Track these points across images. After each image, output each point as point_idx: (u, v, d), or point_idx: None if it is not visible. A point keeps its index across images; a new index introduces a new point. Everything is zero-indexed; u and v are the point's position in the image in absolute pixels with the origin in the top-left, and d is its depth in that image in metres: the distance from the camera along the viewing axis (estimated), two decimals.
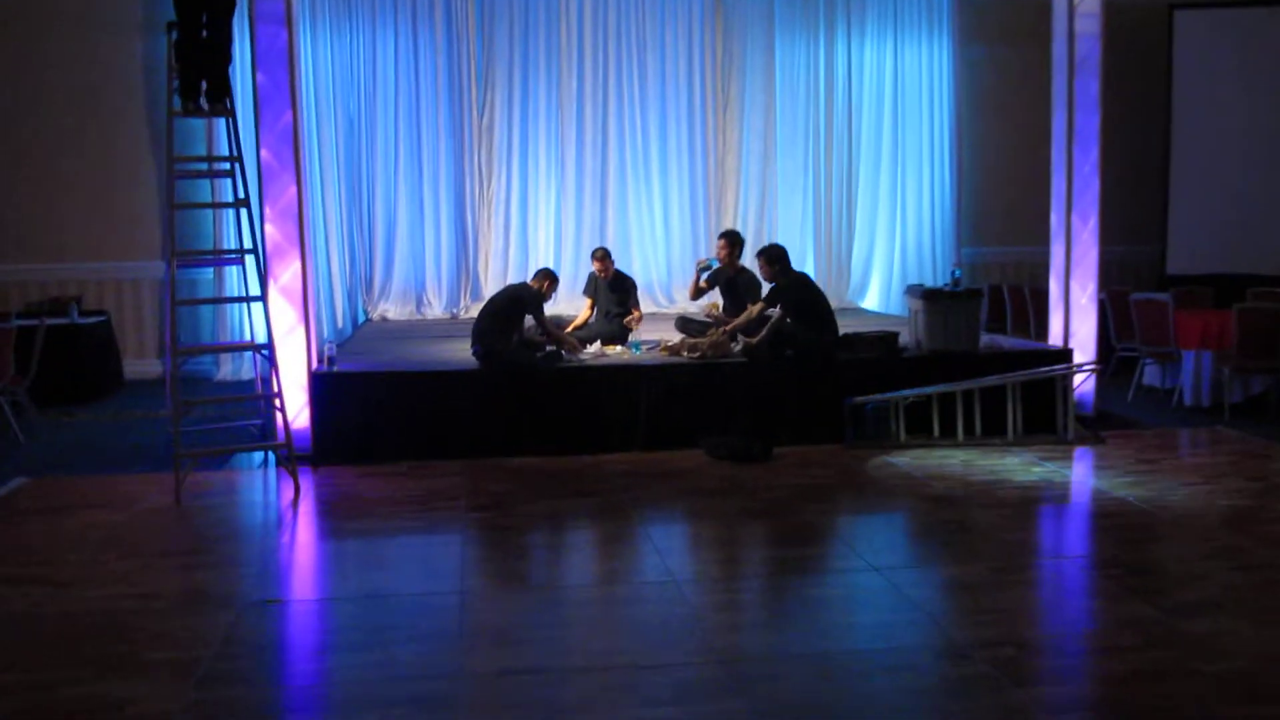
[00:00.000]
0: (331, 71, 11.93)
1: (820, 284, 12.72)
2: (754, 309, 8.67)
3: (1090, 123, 9.24)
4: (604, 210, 12.63)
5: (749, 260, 9.50)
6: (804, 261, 12.89)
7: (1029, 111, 11.86)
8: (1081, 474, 7.56)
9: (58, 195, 11.48)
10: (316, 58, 11.65)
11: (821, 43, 12.90)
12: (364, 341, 10.39)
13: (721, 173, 12.87)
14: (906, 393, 8.33)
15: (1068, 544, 6.36)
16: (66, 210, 11.51)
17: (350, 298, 12.10)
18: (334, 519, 6.84)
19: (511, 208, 12.51)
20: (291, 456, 7.29)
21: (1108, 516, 6.53)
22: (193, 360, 11.44)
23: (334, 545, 6.47)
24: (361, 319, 12.25)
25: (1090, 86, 9.22)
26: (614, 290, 9.47)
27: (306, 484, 7.32)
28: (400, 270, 12.41)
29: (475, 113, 12.40)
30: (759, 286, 9.17)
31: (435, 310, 12.40)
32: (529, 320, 8.45)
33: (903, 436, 8.32)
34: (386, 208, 12.34)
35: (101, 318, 11.07)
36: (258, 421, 8.48)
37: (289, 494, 7.13)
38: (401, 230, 12.37)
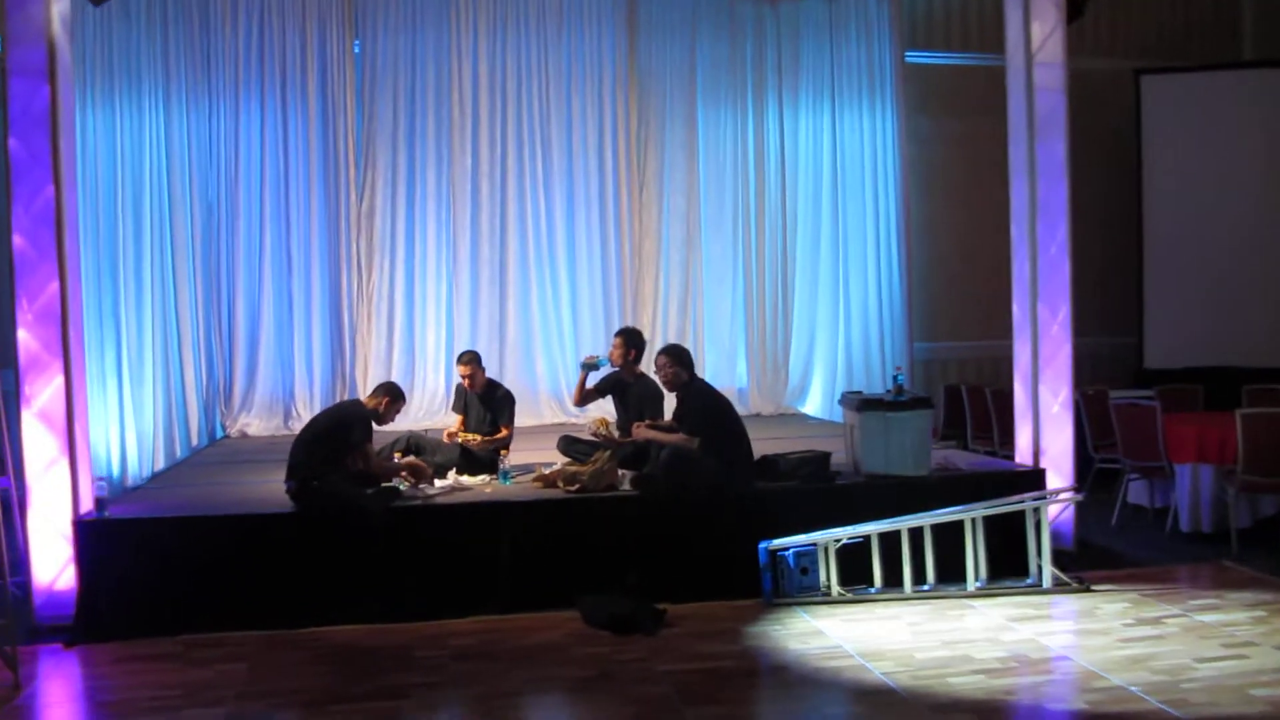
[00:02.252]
0: (188, 149, 10.36)
1: (755, 386, 11.32)
2: (667, 437, 6.97)
3: (1056, 193, 7.70)
4: (503, 306, 10.96)
5: (649, 365, 7.84)
6: (735, 360, 11.31)
7: (985, 188, 10.41)
8: (1066, 644, 5.81)
9: None
10: (171, 133, 10.14)
11: (750, 113, 11.42)
12: (191, 470, 8.64)
13: (638, 261, 11.25)
14: (839, 531, 6.61)
15: None
16: None
17: (206, 410, 10.35)
18: None
19: (395, 304, 10.81)
20: (11, 639, 5.45)
21: None
22: None
23: None
24: (219, 434, 10.46)
25: (1055, 150, 7.69)
26: (485, 405, 7.75)
27: (36, 673, 5.52)
28: (265, 378, 10.64)
29: (354, 195, 10.77)
30: (658, 398, 7.51)
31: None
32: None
33: (835, 589, 6.58)
34: (249, 305, 10.63)
35: None
36: (19, 580, 6.62)
37: (4, 688, 5.30)
38: (266, 331, 10.63)
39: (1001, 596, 6.61)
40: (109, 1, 9.89)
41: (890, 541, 6.67)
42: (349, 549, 6.34)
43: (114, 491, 7.93)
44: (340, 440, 6.49)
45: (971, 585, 6.68)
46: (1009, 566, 6.87)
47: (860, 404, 7.25)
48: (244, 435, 10.42)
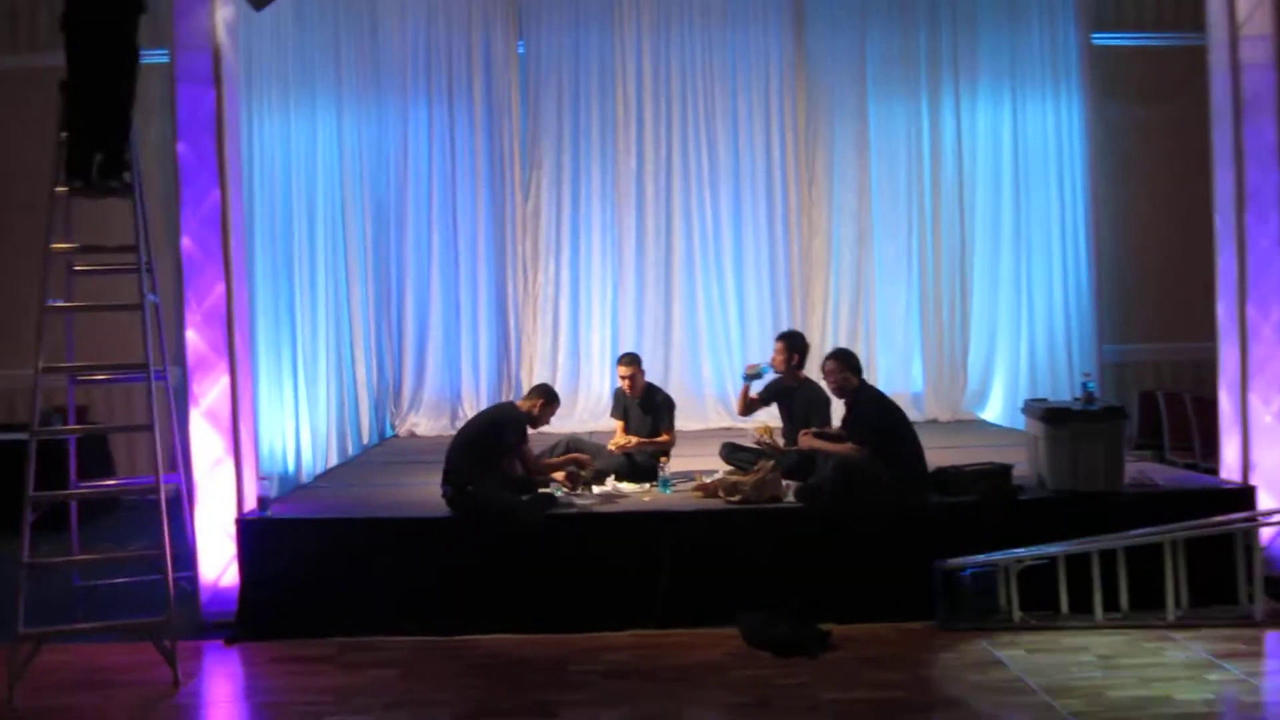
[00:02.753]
0: (359, 152, 10.49)
1: (930, 390, 10.75)
2: (835, 446, 6.62)
3: (1268, 180, 6.95)
4: (668, 307, 10.72)
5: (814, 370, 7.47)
6: (909, 363, 10.77)
7: (1183, 177, 9.59)
8: None
9: None
10: (343, 137, 10.30)
11: (925, 105, 10.84)
12: (359, 469, 8.71)
13: (807, 261, 10.83)
14: (1022, 552, 6.11)
15: None
16: None
17: (376, 409, 10.47)
18: None
19: (560, 305, 10.72)
20: (171, 636, 5.50)
21: None
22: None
23: None
24: (389, 433, 10.57)
25: (1265, 132, 6.94)
26: (645, 410, 7.51)
27: (199, 670, 5.56)
28: (433, 378, 10.70)
29: (519, 196, 10.73)
30: (825, 404, 7.12)
31: None
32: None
33: (1016, 614, 6.09)
34: (418, 305, 10.71)
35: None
36: (187, 574, 6.72)
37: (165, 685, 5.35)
38: (434, 331, 10.70)
39: (1206, 628, 5.99)
40: (283, 8, 10.18)
41: (1079, 564, 6.13)
42: (503, 556, 6.20)
43: (288, 488, 8.05)
44: (494, 444, 6.36)
45: (1171, 614, 6.08)
46: (1214, 594, 6.24)
47: (1046, 413, 6.72)
48: (412, 434, 10.49)
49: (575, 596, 6.18)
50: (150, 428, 5.67)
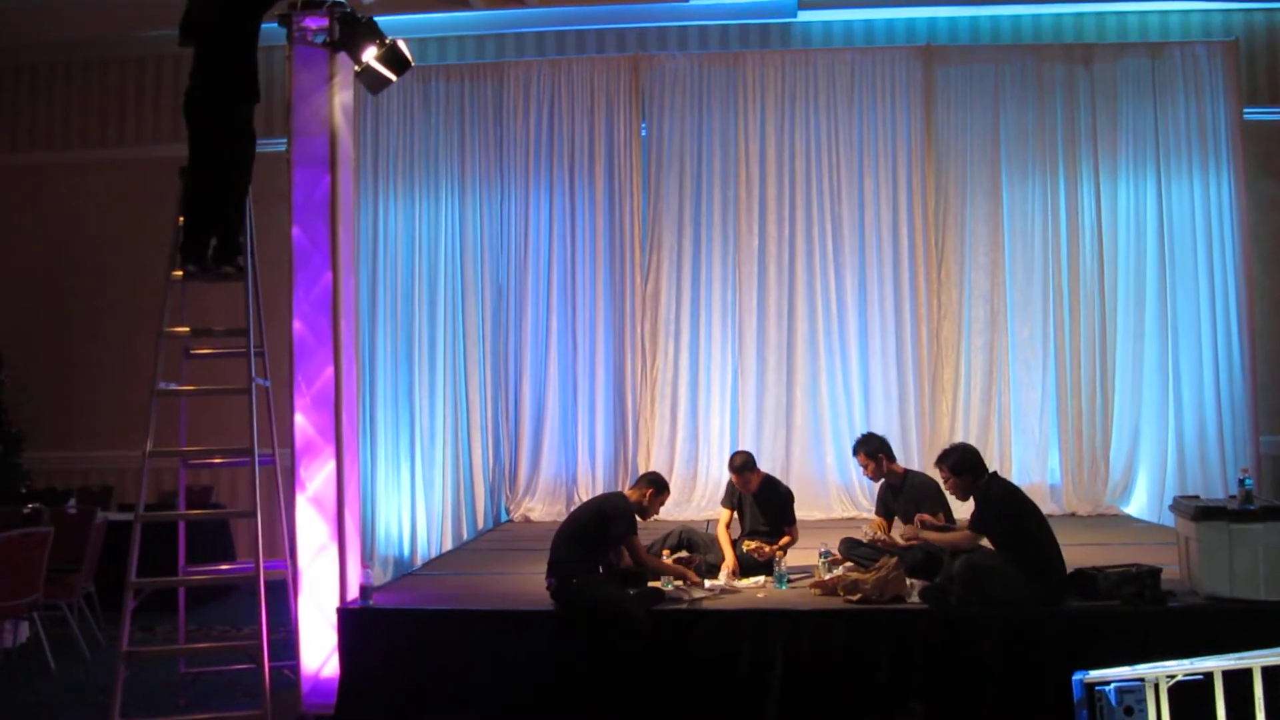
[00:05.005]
0: (480, 234, 10.62)
1: (1070, 482, 10.13)
2: (947, 537, 6.23)
3: None
4: (790, 392, 10.41)
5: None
6: (1047, 454, 10.20)
7: None
8: None
9: (74, 370, 10.55)
10: (465, 219, 10.50)
11: (1062, 183, 10.40)
12: (471, 555, 8.57)
13: (936, 345, 10.40)
14: (1172, 666, 5.55)
15: None
16: (81, 388, 10.53)
17: (492, 493, 10.38)
18: None
19: (679, 389, 10.51)
20: None
21: None
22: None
23: None
24: (504, 518, 10.44)
25: None
26: (761, 504, 7.15)
27: None
28: (548, 462, 10.58)
29: (638, 278, 10.62)
30: (937, 493, 6.71)
31: None
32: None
33: None
34: (535, 387, 10.65)
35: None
36: (290, 664, 6.61)
37: None
38: (551, 414, 10.60)
39: None
40: (411, 95, 10.41)
41: (1239, 681, 5.54)
42: (608, 654, 5.91)
43: (402, 572, 7.95)
44: (601, 535, 6.11)
45: None
46: None
47: (1198, 512, 6.16)
48: (527, 520, 10.34)
49: (682, 697, 5.85)
50: (253, 514, 5.60)
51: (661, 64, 10.71)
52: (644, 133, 10.75)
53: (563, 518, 9.91)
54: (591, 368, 10.58)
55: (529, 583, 6.75)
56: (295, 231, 6.36)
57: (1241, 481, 6.45)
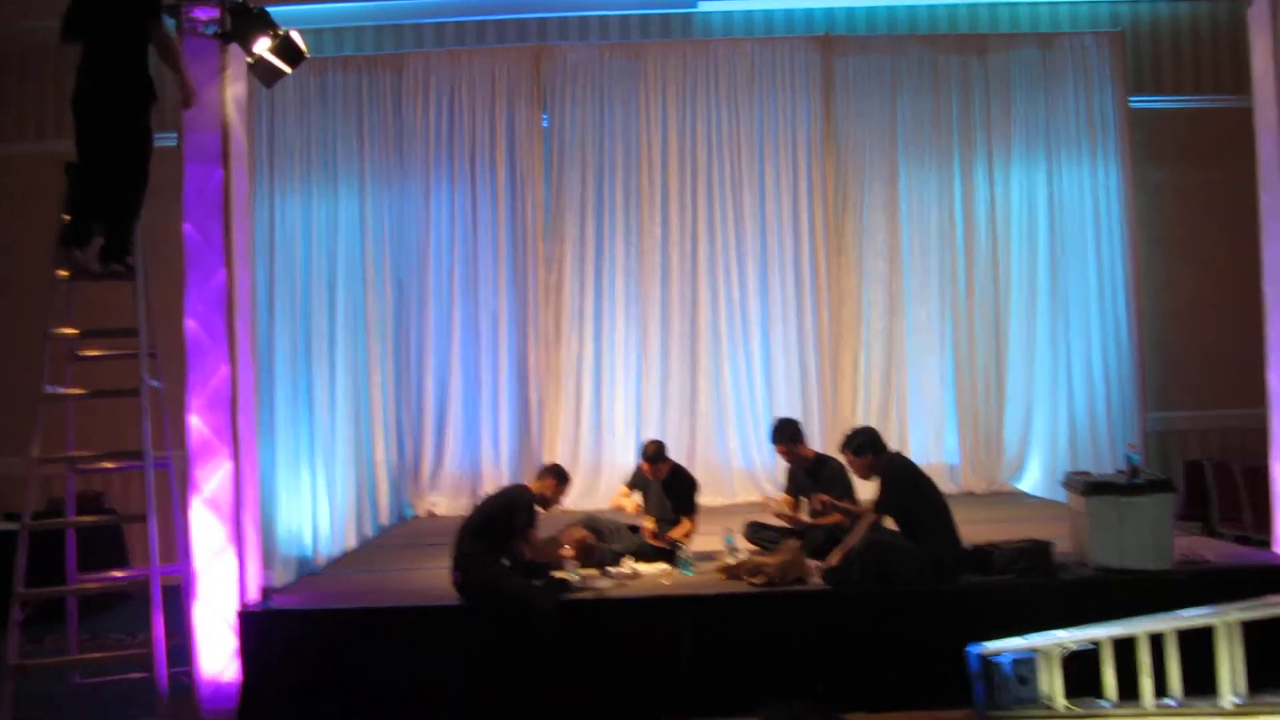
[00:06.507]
0: (381, 229, 10.47)
1: (966, 462, 10.37)
2: (853, 507, 6.38)
3: None
4: (694, 380, 10.48)
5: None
6: (944, 434, 10.41)
7: (1228, 239, 9.28)
8: None
9: None
10: (365, 214, 10.39)
11: (957, 170, 10.63)
12: (374, 553, 8.47)
13: (837, 330, 10.55)
14: (1064, 635, 5.73)
15: None
16: None
17: (395, 489, 10.28)
18: None
19: (583, 379, 10.50)
20: None
21: None
22: None
23: None
24: (408, 513, 10.34)
25: None
26: (669, 493, 7.21)
27: None
28: (452, 455, 10.47)
29: (541, 269, 10.56)
30: (848, 481, 6.82)
31: None
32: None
33: (1059, 702, 5.70)
34: (438, 382, 10.52)
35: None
36: (184, 669, 6.46)
37: None
38: (454, 409, 10.49)
39: (1266, 715, 5.56)
40: (307, 88, 10.24)
41: (1126, 648, 5.74)
42: (516, 645, 5.91)
43: (305, 571, 7.83)
44: (504, 527, 6.09)
45: (1228, 701, 5.66)
46: (1274, 677, 5.81)
47: (1088, 488, 6.39)
48: (431, 515, 10.24)
49: (591, 686, 5.87)
50: (144, 518, 5.47)
51: (563, 54, 10.68)
52: (545, 123, 10.69)
53: (468, 511, 9.91)
54: (495, 360, 10.51)
55: (434, 578, 6.68)
56: (187, 228, 6.22)
57: (1128, 456, 6.69)
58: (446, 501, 10.33)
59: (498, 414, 10.48)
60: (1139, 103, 10.71)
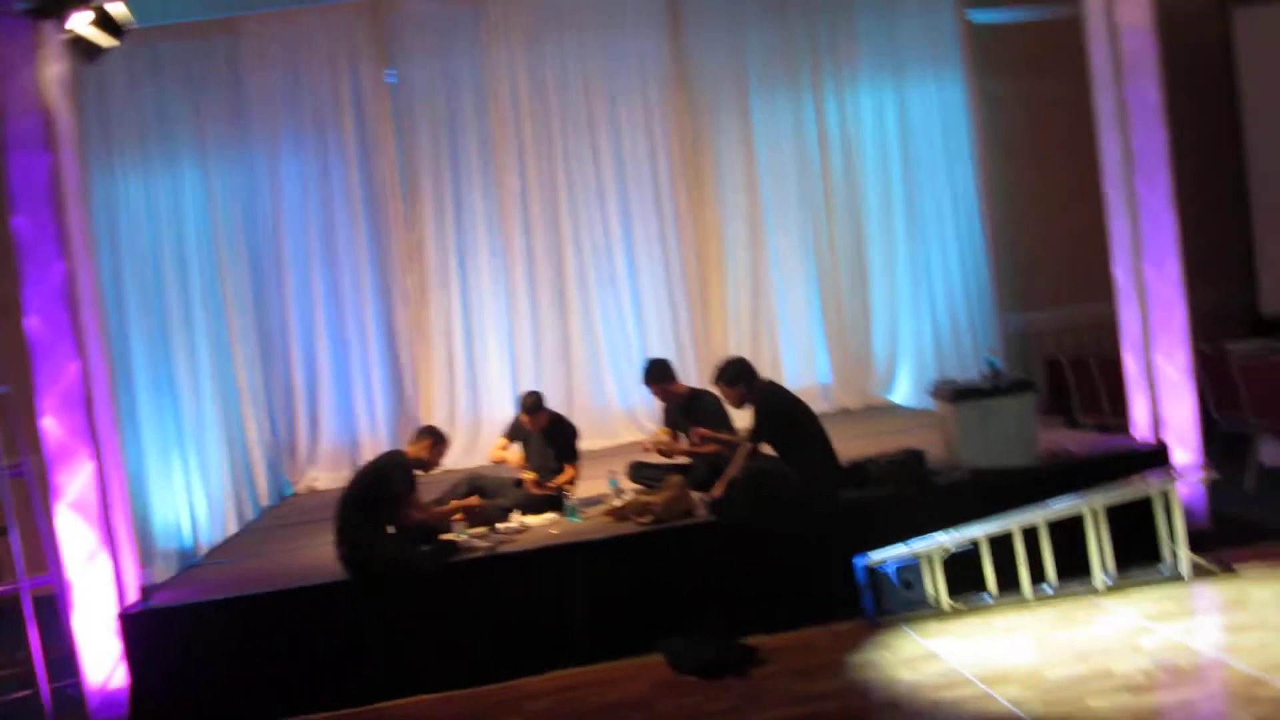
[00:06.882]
0: (230, 204, 10.09)
1: (838, 380, 10.57)
2: (726, 436, 6.48)
3: (1153, 142, 6.91)
4: (565, 326, 10.40)
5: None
6: (815, 356, 10.61)
7: (1071, 144, 9.51)
8: (1218, 644, 5.10)
9: None
10: (211, 190, 10.02)
11: (808, 97, 10.67)
12: (256, 537, 8.24)
13: (703, 264, 10.60)
14: (943, 538, 5.95)
15: None
16: None
17: (272, 468, 10.06)
18: None
19: (454, 338, 10.32)
20: None
21: None
22: None
23: None
24: (288, 491, 10.12)
25: (1148, 95, 6.90)
26: (550, 442, 7.20)
27: None
28: (327, 428, 10.21)
29: (401, 229, 10.33)
30: (724, 413, 6.90)
31: None
32: None
33: (945, 602, 5.92)
34: (306, 355, 10.21)
35: None
36: (71, 682, 6.24)
37: None
38: (325, 380, 10.21)
39: (1134, 590, 5.89)
40: (136, 62, 9.75)
41: (1003, 543, 5.99)
42: (408, 614, 5.87)
43: (186, 565, 7.62)
44: (383, 495, 5.99)
45: (1099, 582, 5.97)
46: (1139, 554, 6.14)
47: (954, 394, 6.60)
48: (313, 490, 10.02)
49: (488, 646, 5.88)
50: (5, 531, 5.24)
51: (403, 7, 10.37)
52: (392, 79, 10.40)
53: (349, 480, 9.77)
54: (362, 326, 10.26)
55: (320, 555, 6.54)
56: (18, 221, 5.91)
57: (988, 360, 6.93)
58: (327, 475, 10.08)
59: (370, 380, 10.26)
60: (979, 17, 10.90)
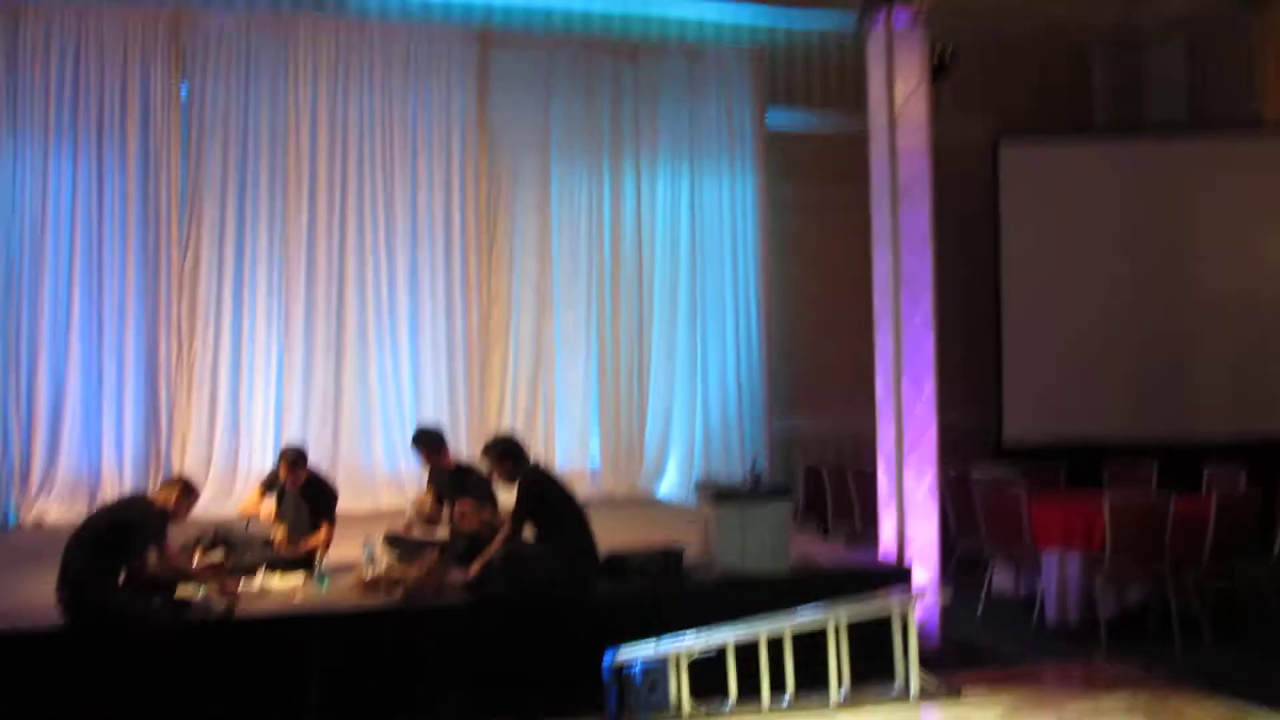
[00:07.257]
0: None
1: (608, 467, 10.60)
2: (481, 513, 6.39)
3: (920, 265, 7.34)
4: (338, 378, 10.08)
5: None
6: (587, 439, 10.63)
7: (849, 257, 9.97)
8: None
9: None
10: None
11: (606, 173, 10.88)
12: None
13: (486, 330, 10.52)
14: (690, 642, 6.00)
15: None
16: None
17: None
18: None
19: (219, 375, 9.86)
20: None
21: None
22: None
23: None
24: (11, 521, 9.31)
25: (919, 216, 7.34)
26: (308, 501, 6.91)
27: None
28: (68, 457, 9.53)
29: (175, 253, 9.83)
30: (491, 490, 6.83)
31: None
32: None
33: (686, 708, 5.96)
34: (53, 373, 9.55)
35: None
36: None
37: None
38: (71, 403, 9.56)
39: (866, 707, 6.09)
40: None
41: (748, 650, 6.09)
42: (131, 673, 5.45)
43: None
44: (124, 544, 5.58)
45: (834, 696, 6.14)
46: (874, 671, 6.35)
47: (715, 495, 6.72)
48: (39, 525, 9.25)
49: (215, 713, 5.52)
50: None
51: (204, 21, 9.95)
52: (184, 92, 9.95)
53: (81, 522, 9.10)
54: (120, 351, 9.66)
55: (36, 596, 6.02)
56: None
57: (752, 464, 7.12)
58: (59, 509, 9.34)
59: (122, 411, 9.65)
60: (775, 121, 11.35)
